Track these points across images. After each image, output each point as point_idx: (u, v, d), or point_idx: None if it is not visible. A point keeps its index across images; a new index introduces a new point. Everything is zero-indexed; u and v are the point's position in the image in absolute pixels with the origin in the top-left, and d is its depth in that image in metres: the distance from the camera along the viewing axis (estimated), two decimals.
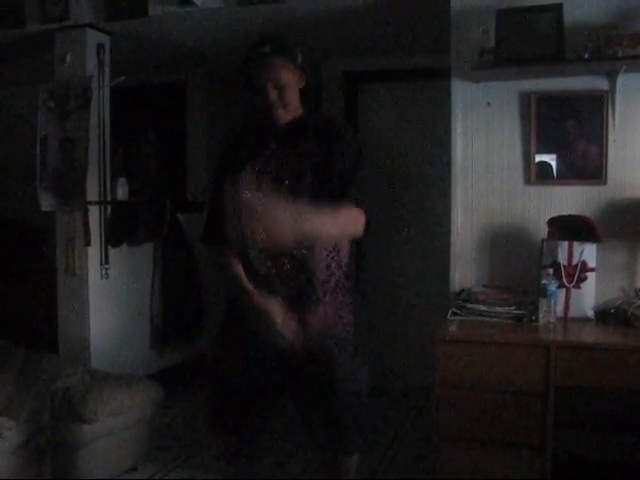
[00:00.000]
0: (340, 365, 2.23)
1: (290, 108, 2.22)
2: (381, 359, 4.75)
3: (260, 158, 2.23)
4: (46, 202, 3.88)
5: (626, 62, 2.83)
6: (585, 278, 2.93)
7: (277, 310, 2.15)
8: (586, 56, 2.85)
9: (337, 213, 2.07)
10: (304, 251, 2.18)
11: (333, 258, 2.25)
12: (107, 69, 3.95)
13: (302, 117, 2.28)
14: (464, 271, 3.24)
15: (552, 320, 2.83)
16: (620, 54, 2.80)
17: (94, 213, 3.91)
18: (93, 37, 3.86)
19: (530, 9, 2.97)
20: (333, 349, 2.23)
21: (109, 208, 4.02)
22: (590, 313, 2.94)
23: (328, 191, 2.18)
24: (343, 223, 2.13)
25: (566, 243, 2.93)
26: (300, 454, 3.46)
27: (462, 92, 3.21)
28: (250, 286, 2.21)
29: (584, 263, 2.92)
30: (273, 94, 2.17)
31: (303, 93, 2.28)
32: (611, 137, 3.04)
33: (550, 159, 3.15)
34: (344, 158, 2.21)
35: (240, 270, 2.25)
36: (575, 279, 2.92)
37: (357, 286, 2.37)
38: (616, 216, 3.04)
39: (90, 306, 3.92)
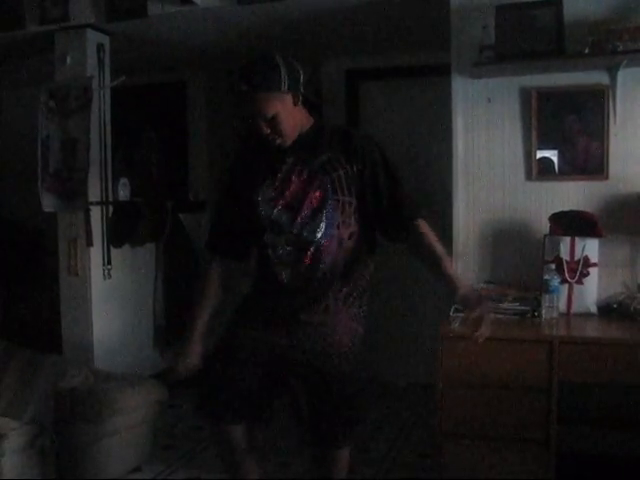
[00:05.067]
0: (339, 373, 2.26)
1: (288, 133, 2.19)
2: (385, 356, 4.76)
3: (278, 172, 2.24)
4: (48, 203, 3.88)
5: (627, 56, 2.83)
6: (587, 273, 2.93)
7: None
8: (586, 51, 2.85)
9: (438, 246, 2.20)
10: (326, 270, 2.22)
11: (356, 270, 2.29)
12: (107, 69, 3.95)
13: (313, 129, 2.27)
14: (466, 267, 3.24)
15: (555, 315, 2.83)
16: (620, 48, 2.80)
17: (96, 213, 3.91)
18: (93, 37, 3.86)
19: (530, 4, 2.97)
20: (334, 358, 2.25)
21: (111, 208, 4.02)
22: (593, 308, 2.94)
23: (367, 204, 2.24)
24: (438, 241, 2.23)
25: (568, 239, 2.93)
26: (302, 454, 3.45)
27: (462, 88, 3.21)
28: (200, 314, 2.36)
29: (586, 258, 2.92)
30: (265, 128, 2.15)
31: (307, 104, 2.27)
32: (612, 132, 3.04)
33: (551, 155, 3.15)
34: (377, 171, 2.25)
35: (210, 293, 2.37)
36: (577, 274, 2.92)
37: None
38: (618, 211, 3.04)
39: (93, 306, 3.92)
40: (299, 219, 2.20)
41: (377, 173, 2.24)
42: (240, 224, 2.32)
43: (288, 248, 2.22)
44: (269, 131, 2.16)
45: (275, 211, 2.22)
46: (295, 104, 2.19)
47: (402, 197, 2.26)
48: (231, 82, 2.14)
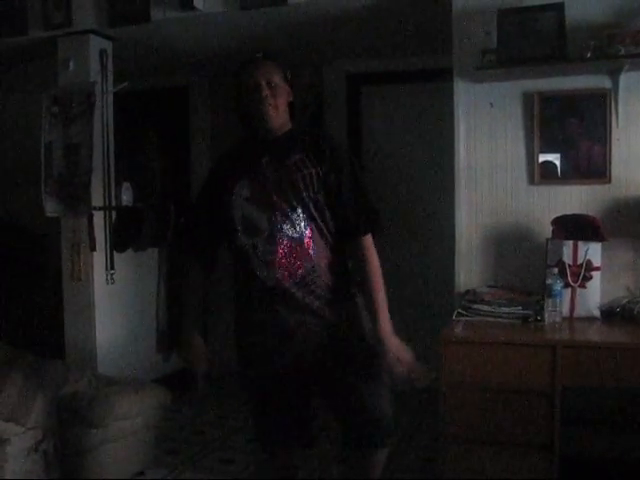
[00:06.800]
0: (371, 363, 2.30)
1: (280, 113, 2.27)
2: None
3: (253, 172, 2.26)
4: (51, 208, 3.89)
5: (628, 60, 2.83)
6: (590, 277, 2.92)
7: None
8: (588, 55, 2.85)
9: (376, 280, 2.29)
10: (311, 266, 2.23)
11: (339, 268, 2.31)
12: (110, 75, 3.96)
13: (290, 131, 2.33)
14: (469, 271, 3.24)
15: (558, 320, 2.82)
16: (622, 52, 2.80)
17: (99, 218, 3.92)
18: (96, 43, 3.88)
19: (531, 9, 2.97)
20: (363, 350, 2.30)
21: (114, 213, 4.03)
22: (596, 312, 2.93)
23: (328, 204, 2.25)
24: (377, 267, 2.30)
25: (571, 242, 2.93)
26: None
27: (464, 93, 3.21)
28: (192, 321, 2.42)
29: (589, 262, 2.91)
30: (266, 90, 2.24)
31: (291, 110, 2.35)
32: (615, 136, 3.03)
33: (554, 158, 3.15)
34: (339, 173, 2.25)
35: (194, 297, 2.45)
36: (580, 278, 2.91)
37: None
38: (621, 215, 3.03)
39: (96, 311, 3.93)
40: (275, 218, 2.21)
41: (341, 179, 2.26)
42: (212, 228, 2.35)
43: (268, 247, 2.22)
44: (268, 95, 2.24)
45: (250, 210, 2.24)
46: (288, 98, 2.32)
47: (359, 208, 2.27)
48: (242, 62, 2.32)
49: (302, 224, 2.21)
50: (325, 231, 2.25)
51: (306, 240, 2.21)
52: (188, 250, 2.45)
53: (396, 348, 2.25)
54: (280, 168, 2.23)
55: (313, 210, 2.22)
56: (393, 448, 3.63)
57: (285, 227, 2.20)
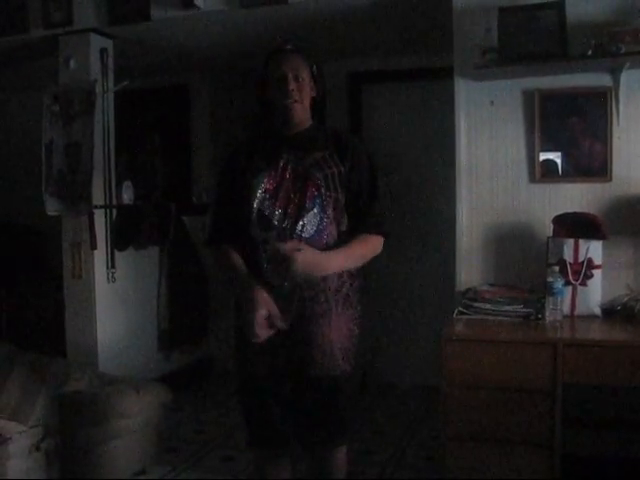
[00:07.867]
0: (340, 376, 2.26)
1: (305, 105, 2.27)
2: (389, 358, 4.76)
3: (274, 167, 2.24)
4: (52, 206, 3.89)
5: (629, 58, 2.83)
6: (591, 275, 2.92)
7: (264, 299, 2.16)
8: (589, 53, 2.85)
9: (353, 248, 2.22)
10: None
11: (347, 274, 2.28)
12: (111, 73, 3.96)
13: (312, 128, 2.32)
14: (470, 270, 3.24)
15: (559, 318, 2.82)
16: (623, 50, 2.79)
17: (100, 217, 3.92)
18: (97, 42, 3.88)
19: (532, 6, 2.97)
20: (335, 362, 2.25)
21: (115, 212, 4.03)
22: (597, 310, 2.93)
23: (345, 203, 2.25)
24: (359, 256, 2.26)
25: (572, 241, 2.93)
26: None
27: (465, 91, 3.21)
28: (246, 273, 2.22)
29: (590, 260, 2.91)
30: (292, 84, 2.23)
31: (313, 106, 2.34)
32: (615, 134, 3.03)
33: (555, 156, 3.15)
34: (360, 173, 2.25)
35: (238, 260, 2.26)
36: (581, 276, 2.91)
37: (366, 292, 2.39)
38: (621, 213, 3.03)
39: (97, 310, 3.93)
40: (291, 214, 2.19)
41: (362, 177, 2.26)
42: (237, 215, 2.29)
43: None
44: (294, 88, 2.23)
45: (267, 205, 2.21)
46: (312, 93, 2.31)
47: (371, 209, 2.27)
48: (273, 46, 2.31)
49: (317, 224, 2.19)
50: (340, 232, 2.24)
51: (318, 241, 2.19)
52: (219, 243, 2.36)
53: (299, 259, 2.05)
54: (301, 165, 2.22)
55: (331, 211, 2.20)
56: (393, 449, 3.65)
57: (299, 226, 2.18)
